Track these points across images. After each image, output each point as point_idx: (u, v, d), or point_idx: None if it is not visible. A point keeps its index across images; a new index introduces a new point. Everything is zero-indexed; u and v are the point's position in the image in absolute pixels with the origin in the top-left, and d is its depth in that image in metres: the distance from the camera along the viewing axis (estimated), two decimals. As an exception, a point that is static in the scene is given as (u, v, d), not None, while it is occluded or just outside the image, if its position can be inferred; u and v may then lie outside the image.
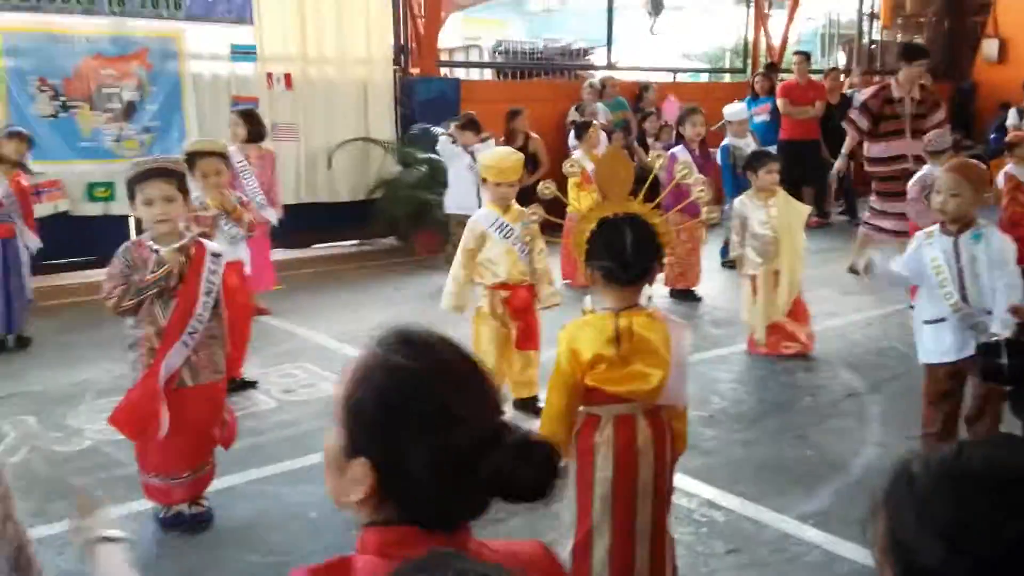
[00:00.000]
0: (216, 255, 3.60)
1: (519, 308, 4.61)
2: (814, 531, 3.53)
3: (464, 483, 1.14)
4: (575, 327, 2.61)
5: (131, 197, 3.46)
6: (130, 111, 8.13)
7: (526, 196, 4.66)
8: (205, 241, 3.63)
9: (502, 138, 8.77)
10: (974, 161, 4.12)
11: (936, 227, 3.86)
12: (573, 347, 2.55)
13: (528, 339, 4.66)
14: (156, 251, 3.42)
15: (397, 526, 1.15)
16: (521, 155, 4.91)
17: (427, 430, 1.13)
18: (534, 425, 4.54)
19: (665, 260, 7.38)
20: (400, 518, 1.16)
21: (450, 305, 4.62)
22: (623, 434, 2.58)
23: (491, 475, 1.13)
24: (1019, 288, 3.71)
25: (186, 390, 3.51)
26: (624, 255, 2.50)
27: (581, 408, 2.64)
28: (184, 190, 3.50)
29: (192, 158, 4.85)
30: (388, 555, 1.12)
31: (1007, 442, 0.94)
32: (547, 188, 2.92)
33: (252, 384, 5.25)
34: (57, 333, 6.19)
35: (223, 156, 5.03)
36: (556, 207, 3.16)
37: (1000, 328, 3.53)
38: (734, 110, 8.08)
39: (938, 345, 3.90)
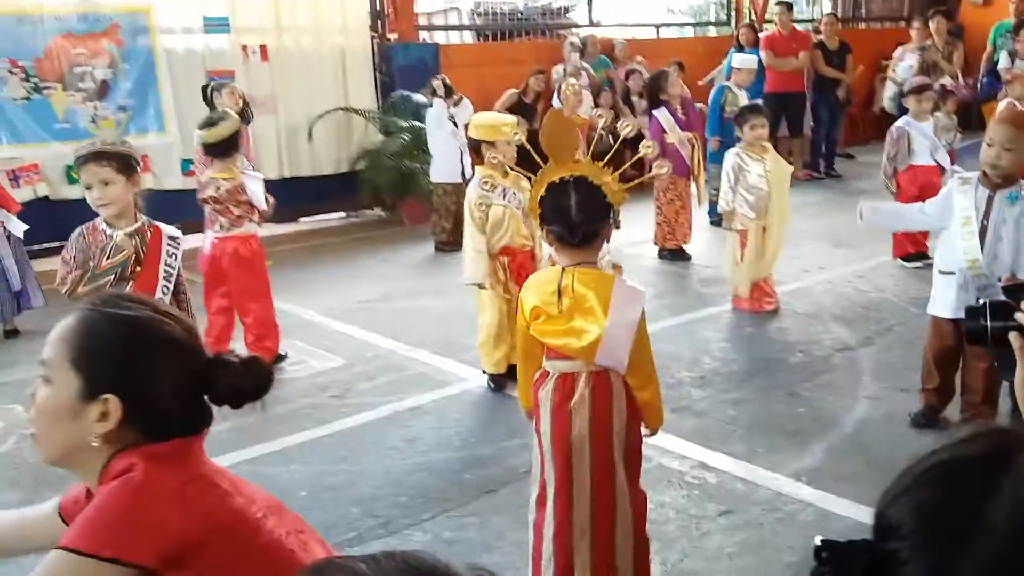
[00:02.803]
0: (173, 238, 3.50)
1: (523, 272, 4.56)
2: (807, 489, 3.51)
3: (200, 399, 1.43)
4: (532, 278, 2.68)
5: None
6: (104, 90, 8.00)
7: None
8: (162, 225, 3.53)
9: (515, 90, 9.09)
10: None
11: (974, 176, 3.68)
12: (522, 296, 2.63)
13: None
14: (110, 236, 3.35)
15: (147, 445, 1.37)
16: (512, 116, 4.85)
17: (168, 360, 1.39)
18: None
19: (656, 219, 7.27)
20: (142, 440, 1.38)
21: (478, 277, 4.52)
22: (559, 391, 2.59)
23: (224, 389, 1.43)
24: None
25: None
26: (569, 218, 2.49)
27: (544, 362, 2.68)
28: (125, 172, 3.36)
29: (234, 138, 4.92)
30: (156, 465, 1.35)
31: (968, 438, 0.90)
32: None
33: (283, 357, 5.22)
34: (41, 320, 6.12)
35: None
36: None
37: None
38: (744, 59, 8.20)
39: (944, 297, 3.79)
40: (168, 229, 3.55)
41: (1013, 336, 1.22)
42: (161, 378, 1.38)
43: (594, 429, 2.59)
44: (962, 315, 3.73)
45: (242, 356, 1.47)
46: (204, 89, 6.88)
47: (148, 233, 3.44)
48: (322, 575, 0.76)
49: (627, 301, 2.54)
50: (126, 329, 1.39)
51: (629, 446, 2.67)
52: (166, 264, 3.44)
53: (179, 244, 3.52)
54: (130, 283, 3.39)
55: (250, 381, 1.44)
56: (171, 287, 3.46)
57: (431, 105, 7.86)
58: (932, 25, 10.37)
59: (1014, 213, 3.57)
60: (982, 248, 3.59)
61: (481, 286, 4.57)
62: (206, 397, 1.45)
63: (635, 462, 2.71)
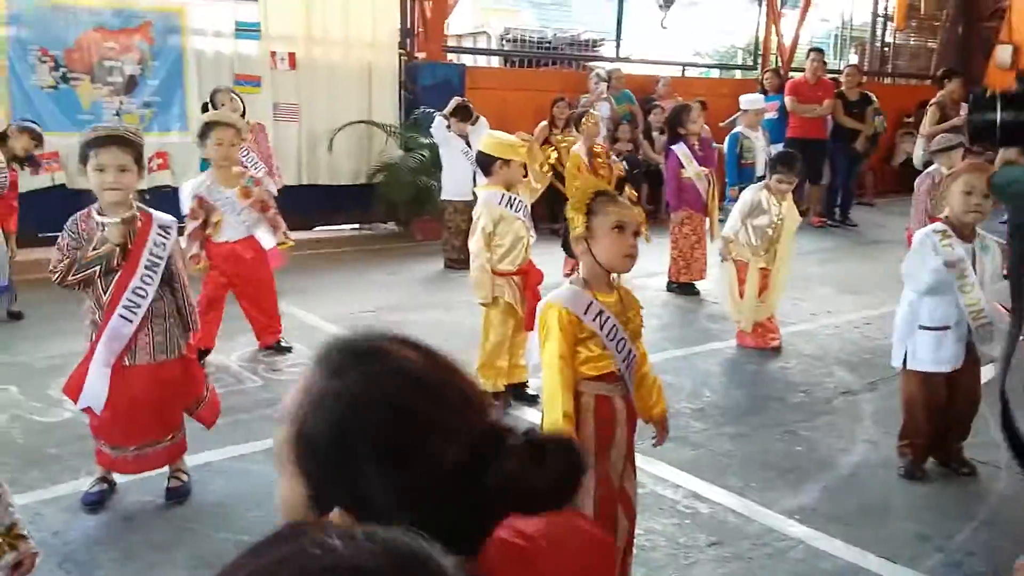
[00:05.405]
0: (165, 227, 3.44)
1: (535, 286, 4.54)
2: (799, 527, 3.46)
3: (461, 505, 0.90)
4: None
5: (83, 161, 3.30)
6: (131, 85, 8.08)
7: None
8: (155, 213, 3.47)
9: (545, 123, 9.12)
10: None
11: (943, 228, 3.68)
12: None
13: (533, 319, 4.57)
14: (102, 225, 3.30)
15: None
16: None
17: (387, 459, 0.90)
18: (526, 412, 4.51)
19: (671, 254, 7.22)
20: None
21: (487, 295, 4.48)
22: None
23: (499, 485, 0.90)
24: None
25: (126, 369, 3.41)
26: None
27: None
28: (140, 164, 3.35)
29: (208, 128, 4.91)
30: None
31: None
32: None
33: (288, 349, 5.42)
34: (45, 305, 6.10)
35: (238, 129, 5.10)
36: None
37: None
38: (751, 99, 7.97)
39: (938, 353, 3.75)
40: (161, 218, 3.46)
41: None
42: (384, 482, 0.90)
43: None
44: (957, 367, 3.69)
45: (525, 433, 0.95)
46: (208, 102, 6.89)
47: (138, 222, 3.38)
48: (295, 541, 0.67)
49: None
50: (341, 409, 0.94)
51: None
52: (151, 253, 3.36)
53: (170, 234, 3.46)
54: (117, 274, 3.34)
55: (535, 473, 0.91)
56: (156, 277, 3.37)
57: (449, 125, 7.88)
58: (948, 87, 10.38)
59: (988, 260, 3.65)
60: None
61: (494, 301, 4.51)
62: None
63: None
